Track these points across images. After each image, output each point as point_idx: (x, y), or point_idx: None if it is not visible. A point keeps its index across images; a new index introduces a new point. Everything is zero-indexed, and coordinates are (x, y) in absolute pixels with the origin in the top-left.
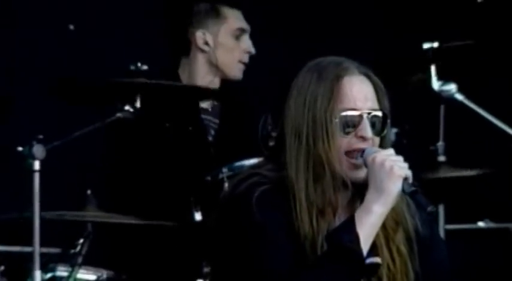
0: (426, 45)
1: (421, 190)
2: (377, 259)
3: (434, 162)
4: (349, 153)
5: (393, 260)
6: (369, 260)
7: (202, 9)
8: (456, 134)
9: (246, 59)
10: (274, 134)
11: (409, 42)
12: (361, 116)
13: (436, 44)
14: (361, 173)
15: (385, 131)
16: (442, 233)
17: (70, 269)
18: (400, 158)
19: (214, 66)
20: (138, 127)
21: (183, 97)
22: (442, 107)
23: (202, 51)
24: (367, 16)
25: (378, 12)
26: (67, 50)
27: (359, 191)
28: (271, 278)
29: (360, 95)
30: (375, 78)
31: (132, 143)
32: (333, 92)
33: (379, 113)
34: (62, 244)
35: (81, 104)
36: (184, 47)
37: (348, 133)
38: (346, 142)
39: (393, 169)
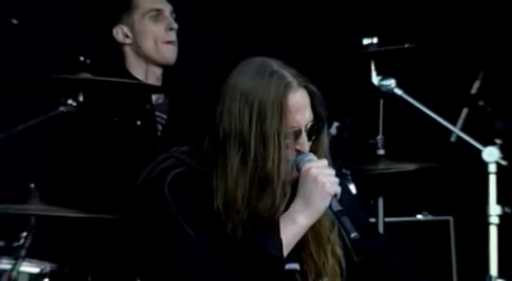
0: (366, 41)
1: (347, 213)
2: (295, 266)
3: (374, 155)
4: None
5: (327, 259)
6: (288, 266)
7: (114, 5)
8: (395, 128)
9: (170, 37)
10: None
11: (349, 37)
12: (300, 130)
13: (375, 40)
14: (295, 173)
15: (319, 136)
16: (381, 226)
17: (13, 262)
18: (332, 172)
19: (141, 55)
20: (81, 121)
21: (129, 93)
22: (381, 102)
23: (126, 44)
24: (307, 12)
25: (318, 7)
26: (10, 44)
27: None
28: (184, 270)
29: (301, 110)
30: (312, 88)
31: (75, 137)
32: (281, 110)
33: (316, 122)
34: (5, 237)
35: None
36: (115, 48)
37: (287, 147)
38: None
39: (325, 186)
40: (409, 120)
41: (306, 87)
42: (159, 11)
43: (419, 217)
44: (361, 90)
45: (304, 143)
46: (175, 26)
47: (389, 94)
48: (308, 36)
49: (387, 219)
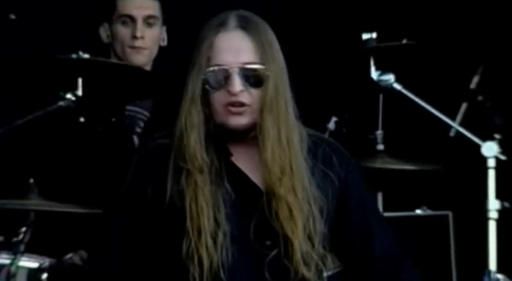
0: (365, 36)
1: None
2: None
3: (373, 150)
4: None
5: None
6: None
7: (100, 4)
8: (395, 123)
9: (134, 43)
10: None
11: (348, 32)
12: (228, 70)
13: (374, 35)
14: (243, 120)
15: (263, 84)
16: None
17: (12, 256)
18: None
19: (118, 57)
20: (78, 115)
21: (122, 81)
22: (380, 97)
23: (109, 45)
24: (306, 7)
25: (317, 2)
26: (8, 39)
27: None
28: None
29: (230, 49)
30: (255, 31)
31: (73, 132)
32: (209, 48)
33: (255, 66)
34: (5, 232)
35: (23, 87)
36: (102, 46)
37: (220, 88)
38: (219, 96)
39: None
40: (408, 116)
41: (246, 31)
42: (130, 17)
43: (418, 211)
44: (360, 86)
45: (233, 84)
46: (137, 34)
47: (388, 89)
48: (307, 32)
49: (386, 214)
